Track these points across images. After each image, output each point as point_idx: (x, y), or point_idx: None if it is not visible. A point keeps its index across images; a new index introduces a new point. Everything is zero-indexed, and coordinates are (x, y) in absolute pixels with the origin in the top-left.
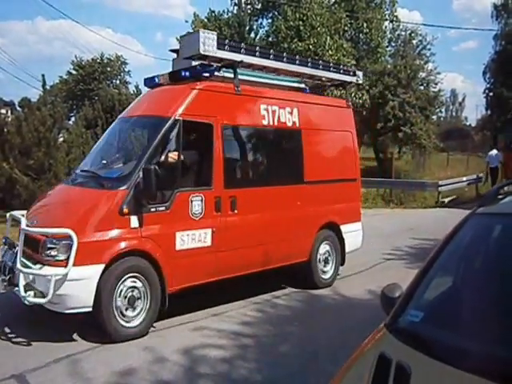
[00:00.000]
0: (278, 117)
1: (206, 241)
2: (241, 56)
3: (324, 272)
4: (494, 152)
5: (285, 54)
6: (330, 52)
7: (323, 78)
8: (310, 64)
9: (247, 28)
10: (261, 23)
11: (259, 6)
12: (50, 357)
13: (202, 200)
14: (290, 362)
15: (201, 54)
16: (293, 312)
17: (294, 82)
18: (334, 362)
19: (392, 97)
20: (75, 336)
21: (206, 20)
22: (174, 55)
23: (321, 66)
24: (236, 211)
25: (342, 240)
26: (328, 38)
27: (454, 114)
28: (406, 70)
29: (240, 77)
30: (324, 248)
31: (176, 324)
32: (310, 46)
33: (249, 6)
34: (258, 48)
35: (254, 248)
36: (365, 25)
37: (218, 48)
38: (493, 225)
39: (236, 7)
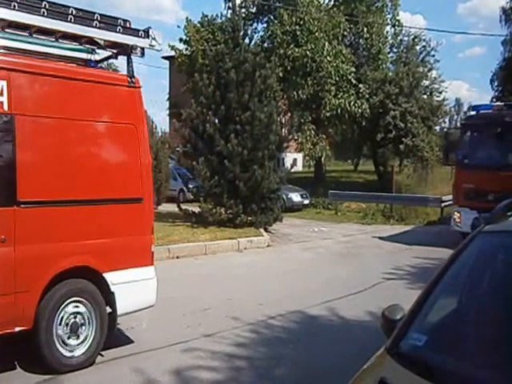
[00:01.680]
0: None
1: None
2: None
3: (69, 347)
4: None
5: None
6: (328, 58)
7: (101, 41)
8: (45, 11)
9: (241, 33)
10: (255, 28)
11: (254, 10)
12: (36, 378)
13: None
14: None
15: None
16: (288, 333)
17: (72, 50)
18: None
19: (393, 106)
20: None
21: (198, 25)
22: (167, 62)
23: (71, 18)
24: None
25: (109, 296)
26: (326, 43)
27: (458, 124)
28: (408, 77)
29: None
30: (69, 309)
31: (167, 345)
32: (308, 52)
33: (243, 10)
34: None
35: None
36: (365, 29)
37: None
38: (500, 243)
39: (230, 11)
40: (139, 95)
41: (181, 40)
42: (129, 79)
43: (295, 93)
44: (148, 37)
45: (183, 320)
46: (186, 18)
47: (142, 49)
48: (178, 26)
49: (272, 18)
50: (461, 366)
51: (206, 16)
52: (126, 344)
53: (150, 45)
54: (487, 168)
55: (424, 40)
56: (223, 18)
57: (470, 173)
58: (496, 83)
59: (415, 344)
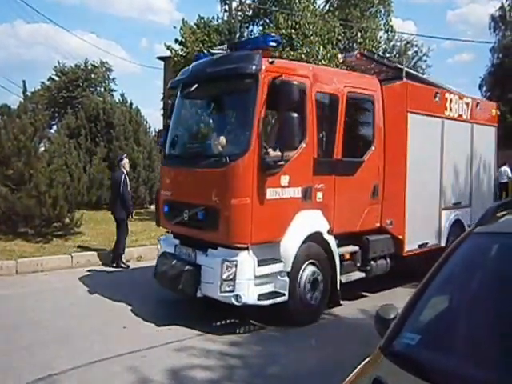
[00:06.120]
0: None
1: None
2: None
3: None
4: (503, 168)
5: None
6: (322, 62)
7: None
8: None
9: (238, 35)
10: (251, 31)
11: (250, 13)
12: (27, 378)
13: None
14: None
15: None
16: (282, 332)
17: None
18: None
19: None
20: (55, 357)
21: (194, 26)
22: (161, 63)
23: None
24: None
25: None
26: (321, 47)
27: None
28: None
29: None
30: None
31: (161, 344)
32: (303, 56)
33: (239, 13)
34: None
35: None
36: (359, 34)
37: None
38: (490, 244)
39: (226, 14)
40: None
41: (176, 41)
42: None
43: None
44: None
45: (177, 319)
46: (182, 20)
47: None
48: (174, 27)
49: (268, 21)
50: (453, 364)
51: (202, 18)
52: (118, 343)
53: None
54: (180, 162)
55: (416, 45)
56: (219, 21)
57: (167, 171)
58: (485, 88)
59: (409, 343)
